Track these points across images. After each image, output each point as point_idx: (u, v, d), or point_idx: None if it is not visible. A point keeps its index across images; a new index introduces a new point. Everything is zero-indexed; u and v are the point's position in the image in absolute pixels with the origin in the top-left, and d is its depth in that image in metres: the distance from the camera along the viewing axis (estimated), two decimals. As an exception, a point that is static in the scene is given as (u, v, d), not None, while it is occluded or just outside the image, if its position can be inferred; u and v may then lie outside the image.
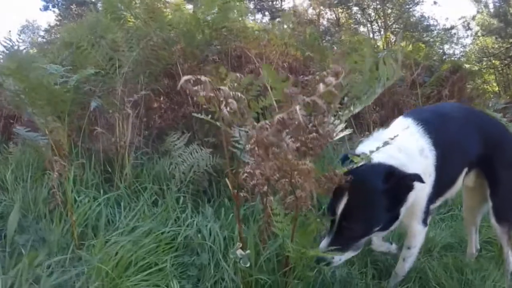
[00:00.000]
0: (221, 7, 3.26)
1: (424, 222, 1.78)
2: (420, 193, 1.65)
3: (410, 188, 1.54)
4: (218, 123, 1.51)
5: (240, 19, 3.52)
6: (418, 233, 1.79)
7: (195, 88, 1.13)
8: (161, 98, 3.38)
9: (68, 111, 2.53)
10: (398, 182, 1.51)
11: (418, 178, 1.52)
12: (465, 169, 1.89)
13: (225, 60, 3.89)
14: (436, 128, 1.76)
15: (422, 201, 1.71)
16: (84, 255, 1.70)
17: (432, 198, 1.76)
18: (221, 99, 1.17)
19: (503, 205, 1.93)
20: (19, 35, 25.37)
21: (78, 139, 2.83)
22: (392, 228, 1.66)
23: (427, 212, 1.77)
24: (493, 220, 1.95)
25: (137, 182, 2.52)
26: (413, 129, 1.75)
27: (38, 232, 1.97)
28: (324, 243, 1.54)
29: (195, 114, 1.68)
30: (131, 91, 2.83)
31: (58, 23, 15.51)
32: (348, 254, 1.58)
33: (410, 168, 1.58)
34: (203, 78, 1.12)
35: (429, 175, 1.68)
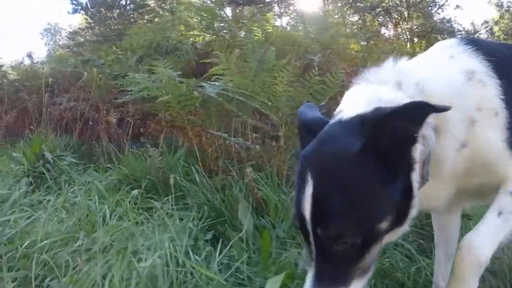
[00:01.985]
0: (332, 32, 3.88)
1: None
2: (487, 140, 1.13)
3: (407, 128, 0.94)
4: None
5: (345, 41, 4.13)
6: None
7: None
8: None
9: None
10: (383, 127, 0.93)
11: (415, 107, 0.94)
12: None
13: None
14: (502, 54, 1.25)
15: (496, 148, 1.14)
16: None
17: None
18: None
19: None
20: (42, 38, 25.91)
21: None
22: (413, 212, 1.00)
23: None
24: None
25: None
26: (458, 49, 1.23)
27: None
28: (307, 283, 0.99)
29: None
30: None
31: (87, 25, 16.12)
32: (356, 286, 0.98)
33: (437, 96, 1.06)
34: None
35: (494, 114, 1.13)
